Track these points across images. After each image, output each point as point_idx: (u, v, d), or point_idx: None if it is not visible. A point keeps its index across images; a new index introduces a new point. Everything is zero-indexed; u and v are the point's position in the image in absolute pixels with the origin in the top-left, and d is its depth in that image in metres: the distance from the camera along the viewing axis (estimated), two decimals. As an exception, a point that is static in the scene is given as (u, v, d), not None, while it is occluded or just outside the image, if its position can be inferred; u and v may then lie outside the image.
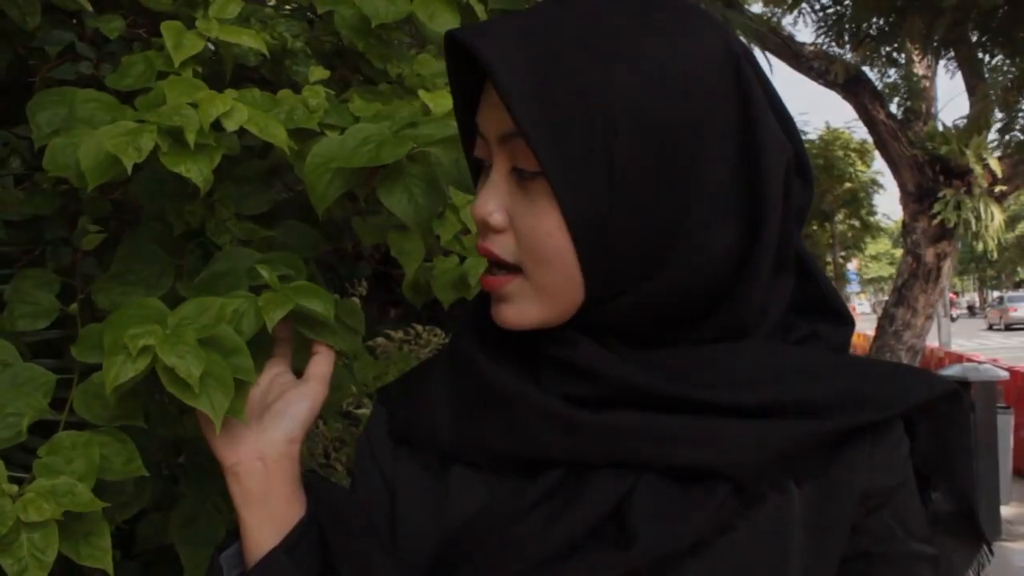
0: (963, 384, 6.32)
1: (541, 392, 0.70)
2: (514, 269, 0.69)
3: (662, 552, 0.64)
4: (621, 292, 0.67)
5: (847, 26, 7.12)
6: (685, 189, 0.65)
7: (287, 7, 1.16)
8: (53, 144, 0.81)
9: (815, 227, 17.65)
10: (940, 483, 0.75)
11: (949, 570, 0.75)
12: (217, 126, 0.86)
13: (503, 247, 0.68)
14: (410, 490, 0.76)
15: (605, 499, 0.66)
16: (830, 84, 9.51)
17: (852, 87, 9.76)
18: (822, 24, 7.65)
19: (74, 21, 1.02)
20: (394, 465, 0.78)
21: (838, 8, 7.25)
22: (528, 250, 0.67)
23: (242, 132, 0.89)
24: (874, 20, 6.87)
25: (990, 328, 33.54)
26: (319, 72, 0.98)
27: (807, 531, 0.68)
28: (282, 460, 0.77)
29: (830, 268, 18.39)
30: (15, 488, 0.77)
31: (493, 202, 0.68)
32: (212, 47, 0.98)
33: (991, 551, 0.77)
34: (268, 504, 0.76)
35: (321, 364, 0.82)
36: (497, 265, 0.70)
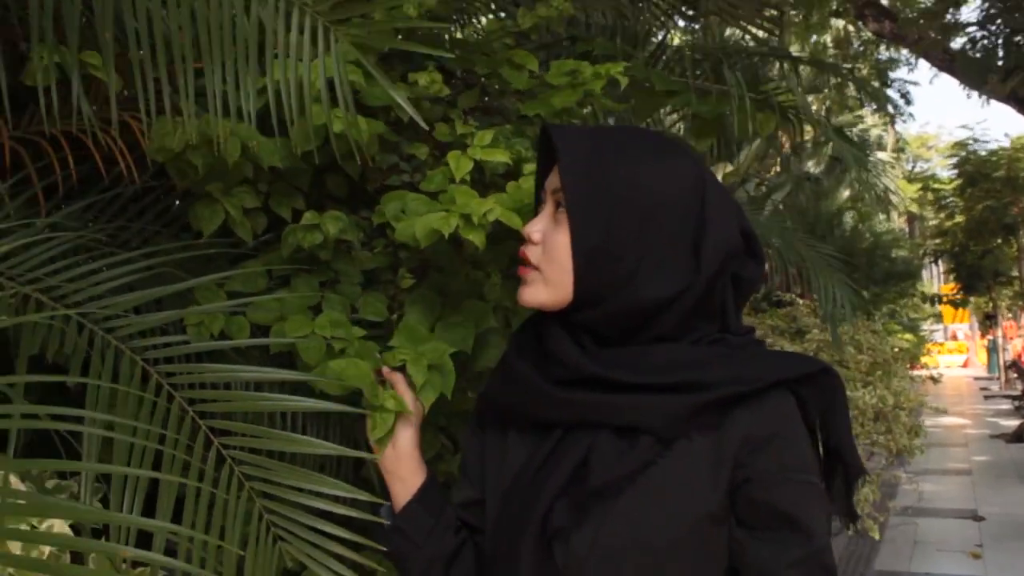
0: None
1: (541, 377, 1.04)
2: (535, 267, 1.05)
3: (606, 480, 0.96)
4: (599, 301, 1.00)
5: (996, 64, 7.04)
6: (646, 249, 0.99)
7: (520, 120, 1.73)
8: (400, 225, 1.41)
9: (999, 241, 16.67)
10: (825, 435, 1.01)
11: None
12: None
13: (532, 253, 1.06)
14: (491, 449, 1.13)
15: (579, 450, 1.00)
16: (1001, 98, 9.18)
17: (1024, 100, 9.43)
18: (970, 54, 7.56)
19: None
20: (483, 434, 1.16)
21: (984, 44, 7.16)
22: (547, 253, 1.04)
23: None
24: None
25: None
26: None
27: (709, 464, 0.96)
28: (405, 447, 1.23)
29: (1016, 284, 17.39)
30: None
31: (537, 226, 1.07)
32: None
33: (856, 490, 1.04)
34: (398, 474, 1.21)
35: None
36: (526, 264, 1.07)
